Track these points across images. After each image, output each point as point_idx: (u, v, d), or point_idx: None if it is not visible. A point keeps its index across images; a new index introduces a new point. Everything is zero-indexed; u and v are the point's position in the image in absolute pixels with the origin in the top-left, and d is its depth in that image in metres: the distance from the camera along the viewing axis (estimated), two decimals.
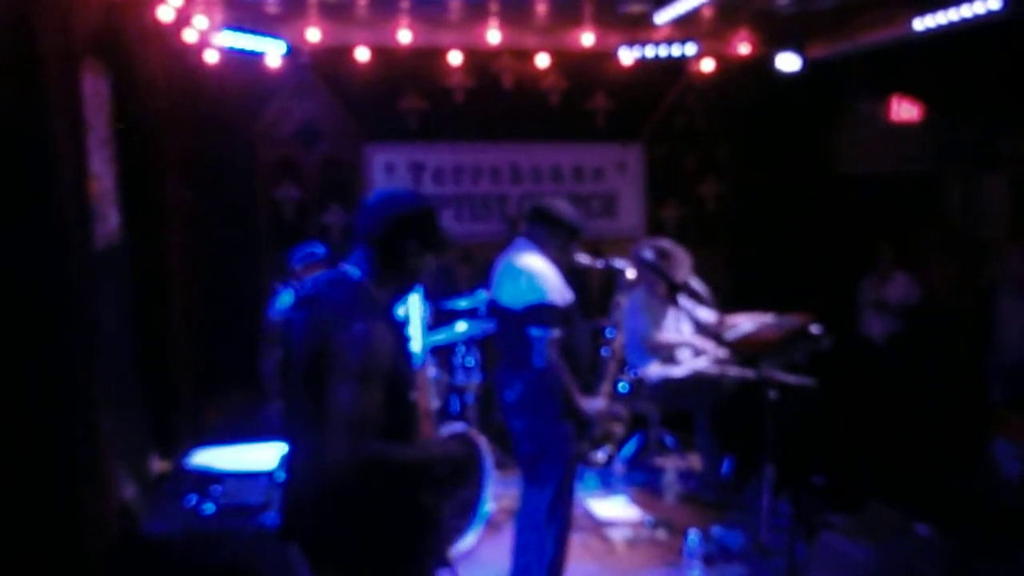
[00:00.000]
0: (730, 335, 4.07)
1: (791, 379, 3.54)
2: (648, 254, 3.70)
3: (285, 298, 4.49)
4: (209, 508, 3.08)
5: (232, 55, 4.90)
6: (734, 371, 4.02)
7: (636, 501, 4.49)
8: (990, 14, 4.42)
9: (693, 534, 3.72)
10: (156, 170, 4.13)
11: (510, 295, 3.11)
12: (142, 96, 3.89)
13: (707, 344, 4.46)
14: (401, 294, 2.02)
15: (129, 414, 3.59)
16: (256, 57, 4.96)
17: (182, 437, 4.13)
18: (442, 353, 4.54)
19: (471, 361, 4.52)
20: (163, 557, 2.83)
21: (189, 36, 4.66)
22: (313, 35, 5.04)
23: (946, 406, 5.06)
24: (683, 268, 4.28)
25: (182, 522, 3.00)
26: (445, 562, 2.06)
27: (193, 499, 3.15)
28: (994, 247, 5.74)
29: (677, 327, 4.61)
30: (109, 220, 3.55)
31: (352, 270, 1.94)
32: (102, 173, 3.45)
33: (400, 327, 1.98)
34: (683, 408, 4.61)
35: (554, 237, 3.17)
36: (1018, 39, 4.76)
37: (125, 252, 3.73)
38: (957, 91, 5.59)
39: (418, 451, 1.98)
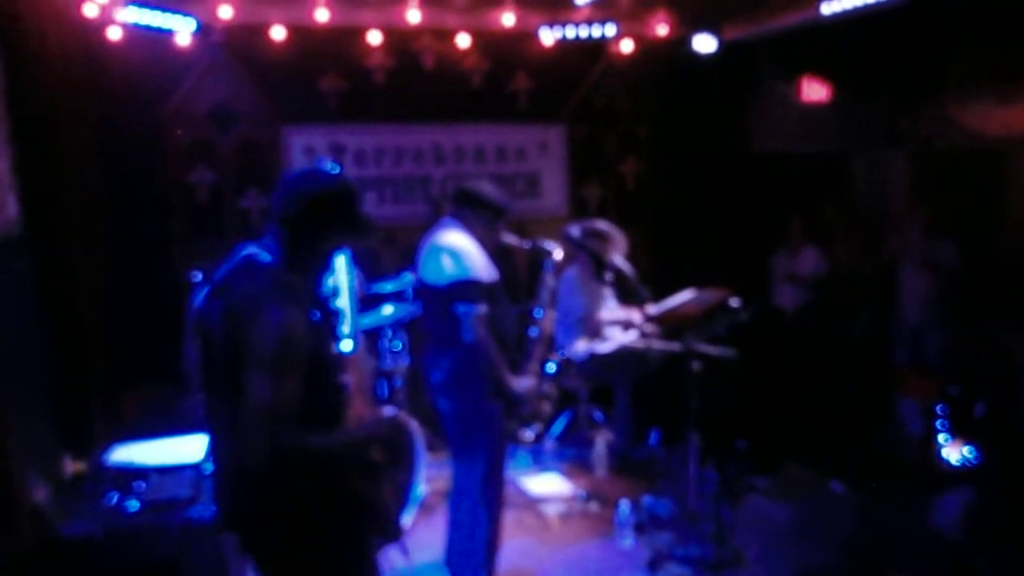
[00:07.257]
0: (654, 309, 4.18)
1: (714, 350, 3.67)
2: (576, 232, 3.75)
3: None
4: (133, 505, 2.96)
5: (137, 32, 4.66)
6: (659, 344, 4.14)
7: (568, 476, 4.58)
8: (891, 0, 4.67)
9: (624, 505, 3.83)
10: (58, 153, 3.88)
11: (434, 273, 3.11)
12: (38, 73, 3.64)
13: (636, 316, 4.58)
14: (316, 278, 1.95)
15: (37, 413, 3.40)
16: (164, 34, 4.73)
17: (97, 435, 3.94)
18: (369, 337, 4.48)
19: (398, 345, 4.48)
20: (85, 558, 2.71)
21: (89, 11, 4.39)
22: (225, 12, 4.84)
23: (854, 370, 5.37)
24: (619, 250, 4.37)
25: (103, 521, 2.87)
26: (395, 536, 2.03)
27: (114, 497, 3.02)
28: (896, 221, 6.09)
29: (608, 305, 4.70)
30: (6, 207, 3.34)
31: (262, 254, 1.86)
32: None
33: (321, 310, 1.92)
34: (610, 382, 4.72)
35: (479, 217, 3.18)
36: (917, 24, 5.04)
37: (25, 242, 3.51)
38: (862, 73, 5.88)
39: (339, 436, 1.92)
